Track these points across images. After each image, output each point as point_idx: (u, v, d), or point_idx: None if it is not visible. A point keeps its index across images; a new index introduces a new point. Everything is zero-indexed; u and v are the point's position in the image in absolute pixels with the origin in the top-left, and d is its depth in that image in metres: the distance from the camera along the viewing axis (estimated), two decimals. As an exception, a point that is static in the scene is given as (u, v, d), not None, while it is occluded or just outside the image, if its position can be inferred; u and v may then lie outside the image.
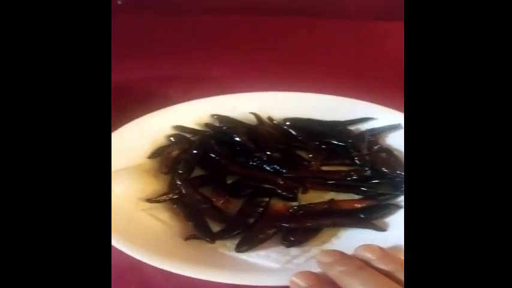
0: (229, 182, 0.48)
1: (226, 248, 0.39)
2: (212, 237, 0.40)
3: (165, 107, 0.57)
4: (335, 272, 0.31)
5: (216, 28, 0.93)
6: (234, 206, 0.45)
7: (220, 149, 0.52)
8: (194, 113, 0.58)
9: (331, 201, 0.45)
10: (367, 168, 0.48)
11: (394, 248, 0.35)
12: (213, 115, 0.58)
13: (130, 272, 0.39)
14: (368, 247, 0.33)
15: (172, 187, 0.47)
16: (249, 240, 0.40)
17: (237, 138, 0.54)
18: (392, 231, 0.40)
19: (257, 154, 0.51)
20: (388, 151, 0.51)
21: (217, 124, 0.57)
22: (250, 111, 0.58)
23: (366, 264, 0.32)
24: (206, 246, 0.40)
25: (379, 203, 0.44)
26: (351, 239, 0.40)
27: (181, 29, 0.93)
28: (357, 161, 0.49)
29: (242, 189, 0.47)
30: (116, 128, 0.52)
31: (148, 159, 0.51)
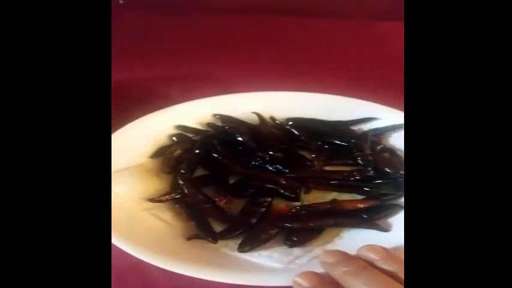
0: (231, 181, 0.48)
1: (228, 248, 0.39)
2: (214, 237, 0.40)
3: (167, 107, 0.57)
4: (338, 272, 0.31)
5: (217, 28, 0.92)
6: (237, 206, 0.45)
7: (223, 149, 0.52)
8: (196, 112, 0.58)
9: (334, 201, 0.44)
10: (370, 168, 0.48)
11: (397, 249, 0.35)
12: (215, 115, 0.58)
13: (132, 272, 0.39)
14: (371, 247, 0.33)
15: (174, 187, 0.47)
16: (252, 240, 0.39)
17: (240, 138, 0.54)
18: (396, 232, 0.40)
19: (259, 154, 0.51)
20: (391, 151, 0.51)
21: (220, 124, 0.57)
22: (253, 111, 0.58)
23: (369, 264, 0.31)
24: (208, 246, 0.40)
25: (382, 203, 0.44)
26: (354, 239, 0.40)
27: (183, 29, 0.93)
28: (360, 161, 0.49)
29: (244, 189, 0.47)
30: (118, 128, 0.51)
31: (151, 159, 0.51)
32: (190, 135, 0.55)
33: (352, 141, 0.53)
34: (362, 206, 0.44)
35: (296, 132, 0.56)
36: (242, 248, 0.39)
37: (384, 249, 0.33)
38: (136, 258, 0.36)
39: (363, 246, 0.33)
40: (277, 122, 0.58)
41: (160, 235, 0.41)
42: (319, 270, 0.33)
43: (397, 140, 0.53)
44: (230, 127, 0.56)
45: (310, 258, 0.38)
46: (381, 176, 0.47)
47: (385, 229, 0.41)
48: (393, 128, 0.54)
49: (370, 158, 0.49)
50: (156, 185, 0.47)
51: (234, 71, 0.74)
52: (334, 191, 0.47)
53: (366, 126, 0.56)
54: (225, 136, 0.55)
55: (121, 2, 1.02)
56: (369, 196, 0.45)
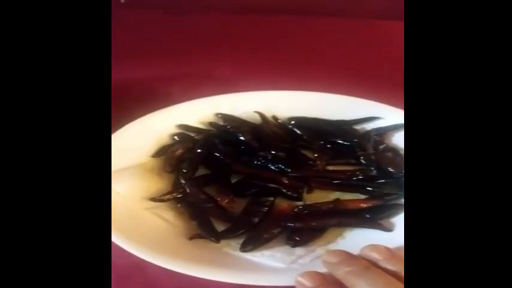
0: (233, 181, 0.48)
1: (231, 248, 0.39)
2: (217, 236, 0.40)
3: (168, 106, 0.57)
4: (341, 272, 0.31)
5: (219, 27, 0.92)
6: (239, 205, 0.45)
7: (225, 148, 0.52)
8: (198, 112, 0.58)
9: (337, 200, 0.44)
10: (372, 168, 0.48)
11: (400, 248, 0.35)
12: (217, 114, 0.58)
13: (134, 272, 0.38)
14: (374, 247, 0.33)
15: (176, 186, 0.47)
16: (254, 239, 0.39)
17: (242, 137, 0.53)
18: (399, 231, 0.40)
19: (262, 153, 0.51)
20: (394, 151, 0.51)
21: (222, 123, 0.57)
22: (255, 110, 0.58)
23: (372, 264, 0.31)
24: (211, 245, 0.40)
25: (385, 202, 0.44)
26: (357, 239, 0.39)
27: (184, 28, 0.93)
28: (363, 161, 0.49)
29: (247, 189, 0.47)
30: (120, 127, 0.51)
31: (152, 158, 0.51)
32: (192, 134, 0.55)
33: (355, 140, 0.52)
34: (365, 205, 0.43)
35: (298, 132, 0.56)
36: (244, 248, 0.39)
37: (387, 249, 0.33)
38: (138, 257, 0.35)
39: (366, 246, 0.33)
40: (279, 121, 0.58)
41: (162, 234, 0.40)
42: (322, 270, 0.32)
43: (400, 140, 0.52)
44: (232, 126, 0.56)
45: (312, 258, 0.37)
46: (383, 176, 0.47)
47: (388, 229, 0.40)
48: (396, 128, 0.53)
49: (373, 157, 0.49)
50: (158, 184, 0.47)
51: (236, 70, 0.74)
52: (337, 190, 0.47)
53: (369, 126, 0.55)
54: (227, 135, 0.54)
55: (122, 1, 1.02)
56: (372, 196, 0.45)
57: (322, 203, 0.44)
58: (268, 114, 0.58)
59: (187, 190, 0.46)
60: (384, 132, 0.54)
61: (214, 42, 0.87)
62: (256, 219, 0.42)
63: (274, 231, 0.40)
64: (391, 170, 0.47)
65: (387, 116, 0.55)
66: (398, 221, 0.41)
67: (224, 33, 0.91)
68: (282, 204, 0.45)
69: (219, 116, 0.58)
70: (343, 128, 0.56)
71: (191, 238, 0.40)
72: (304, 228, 0.41)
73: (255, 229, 0.41)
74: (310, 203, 0.45)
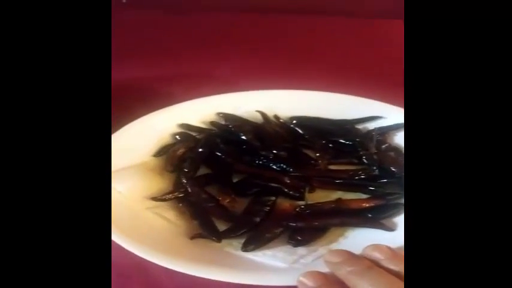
0: (235, 180, 0.48)
1: (232, 247, 0.39)
2: (218, 236, 0.40)
3: (170, 105, 0.57)
4: (343, 272, 0.31)
5: (221, 26, 0.92)
6: (240, 204, 0.44)
7: (226, 148, 0.52)
8: (200, 111, 0.58)
9: (339, 200, 0.44)
10: (375, 167, 0.47)
11: (402, 248, 0.35)
12: (218, 113, 0.58)
13: (135, 271, 0.38)
14: (377, 247, 0.32)
15: (177, 185, 0.47)
16: (256, 239, 0.39)
17: (243, 137, 0.53)
18: (401, 231, 0.40)
19: (263, 153, 0.50)
20: (397, 150, 0.51)
21: (223, 122, 0.57)
22: (256, 109, 0.58)
23: (375, 264, 0.31)
24: (212, 245, 0.39)
25: (387, 202, 0.43)
26: (359, 239, 0.39)
27: (186, 28, 0.93)
28: (365, 160, 0.49)
29: (248, 188, 0.47)
30: (121, 126, 0.51)
31: (154, 158, 0.51)
32: (193, 133, 0.55)
33: (357, 140, 0.52)
34: (367, 205, 0.43)
35: (300, 131, 0.55)
36: (246, 247, 0.38)
37: (390, 248, 0.32)
38: (139, 257, 0.35)
39: (368, 246, 0.33)
40: (281, 120, 0.58)
41: (163, 234, 0.40)
42: (324, 269, 0.32)
43: (402, 139, 0.52)
44: (234, 126, 0.56)
45: (314, 257, 0.37)
46: (386, 175, 0.47)
47: (391, 228, 0.40)
48: (398, 127, 0.53)
49: (375, 157, 0.49)
50: (159, 183, 0.47)
51: (237, 69, 0.74)
52: (339, 190, 0.46)
53: (371, 125, 0.55)
54: (228, 135, 0.54)
55: (124, 0, 1.02)
56: (374, 195, 0.45)
57: (324, 202, 0.44)
58: (270, 113, 0.58)
59: (189, 189, 0.45)
60: (386, 132, 0.54)
61: (215, 41, 0.87)
62: (257, 219, 0.42)
63: (276, 230, 0.40)
64: (394, 169, 0.47)
65: (389, 115, 0.55)
66: (401, 220, 0.41)
67: (226, 32, 0.91)
68: (284, 203, 0.44)
69: (221, 115, 0.57)
70: (345, 127, 0.56)
71: (192, 238, 0.40)
72: (306, 228, 0.41)
73: (257, 229, 0.41)
74: (312, 202, 0.44)
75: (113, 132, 0.50)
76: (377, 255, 0.32)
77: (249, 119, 0.57)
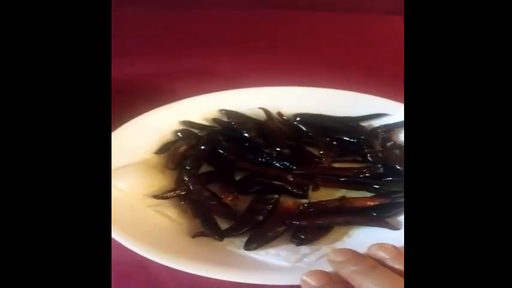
0: (237, 178, 0.48)
1: (234, 246, 0.39)
2: (220, 234, 0.40)
3: (172, 102, 0.56)
4: (347, 271, 0.31)
5: (224, 22, 0.92)
6: (243, 203, 0.44)
7: (229, 145, 0.52)
8: (202, 108, 0.57)
9: (343, 198, 0.44)
10: (380, 165, 0.47)
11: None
12: (221, 110, 0.57)
13: (136, 270, 0.38)
14: (381, 246, 0.32)
15: (179, 183, 0.46)
16: (258, 237, 0.39)
17: (246, 134, 0.53)
18: (406, 230, 0.39)
19: (266, 150, 0.50)
20: (402, 148, 0.50)
21: (226, 119, 0.57)
22: (259, 106, 0.58)
23: (379, 263, 0.31)
24: (214, 243, 0.39)
25: (392, 200, 0.43)
26: (363, 238, 0.39)
27: (187, 24, 0.93)
28: (370, 158, 0.49)
29: (251, 186, 0.46)
30: (122, 123, 0.51)
31: (155, 155, 0.51)
32: (195, 131, 0.55)
33: (362, 137, 0.52)
34: (371, 203, 0.43)
35: (304, 128, 0.55)
36: (248, 246, 0.38)
37: (394, 247, 0.32)
38: (139, 255, 0.35)
39: (373, 245, 0.32)
40: (284, 117, 0.57)
41: (164, 232, 0.40)
42: (328, 268, 0.32)
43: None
44: (236, 123, 0.55)
45: (318, 256, 0.37)
46: (391, 173, 0.47)
47: (395, 227, 0.40)
48: (404, 125, 0.53)
49: (380, 154, 0.48)
50: (160, 181, 0.47)
51: (240, 66, 0.74)
52: (343, 188, 0.46)
53: (376, 122, 0.55)
54: (231, 132, 0.54)
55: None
56: (379, 194, 0.44)
57: (328, 200, 0.44)
58: (273, 110, 0.58)
59: (191, 187, 0.45)
60: (391, 129, 0.53)
61: (218, 37, 0.86)
62: (260, 217, 0.41)
63: (279, 229, 0.40)
64: (399, 167, 0.47)
65: (395, 113, 0.54)
66: (406, 219, 0.41)
67: (228, 28, 0.90)
68: (287, 202, 0.44)
69: (223, 112, 0.57)
70: (349, 125, 0.55)
71: (194, 236, 0.40)
72: (309, 227, 0.40)
73: (260, 227, 0.41)
74: (315, 200, 0.44)
75: (115, 130, 0.50)
76: (382, 254, 0.31)
77: (251, 116, 0.57)
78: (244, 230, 0.40)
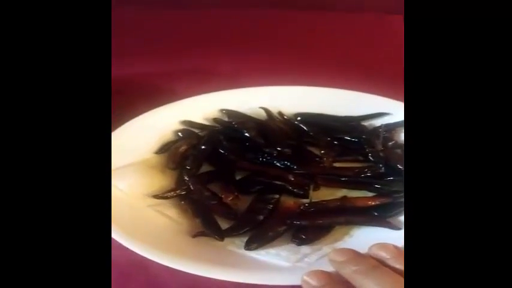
0: (238, 178, 0.48)
1: (235, 246, 0.39)
2: (221, 234, 0.39)
3: (172, 102, 0.56)
4: (348, 271, 0.30)
5: (224, 22, 0.92)
6: (243, 202, 0.44)
7: (229, 145, 0.51)
8: (202, 107, 0.57)
9: (344, 198, 0.44)
10: (381, 165, 0.47)
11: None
12: (221, 110, 0.57)
13: (136, 270, 0.38)
14: (382, 246, 0.32)
15: (180, 183, 0.46)
16: (259, 237, 0.39)
17: (247, 134, 0.53)
18: (408, 230, 0.39)
19: (267, 150, 0.50)
20: (403, 147, 0.50)
21: (226, 119, 0.56)
22: (260, 106, 0.58)
23: (381, 263, 0.31)
24: (215, 243, 0.39)
25: (393, 200, 0.43)
26: (364, 238, 0.39)
27: (188, 23, 0.92)
28: (371, 158, 0.49)
29: (251, 186, 0.46)
30: (123, 123, 0.51)
31: (156, 155, 0.51)
32: (196, 130, 0.55)
33: (363, 137, 0.52)
34: (373, 203, 0.43)
35: (305, 128, 0.55)
36: (249, 246, 0.38)
37: (396, 247, 0.32)
38: (140, 255, 0.35)
39: (374, 245, 0.32)
40: (285, 117, 0.57)
41: (164, 232, 0.40)
42: (329, 268, 0.32)
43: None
44: (237, 122, 0.55)
45: (319, 256, 0.37)
46: (392, 173, 0.46)
47: (397, 227, 0.40)
48: (405, 124, 0.52)
49: (381, 154, 0.48)
50: (161, 181, 0.47)
51: (241, 65, 0.74)
52: (344, 187, 0.46)
53: (377, 122, 0.55)
54: (231, 132, 0.54)
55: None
56: (380, 193, 0.44)
57: (329, 200, 0.44)
58: (274, 110, 0.58)
59: (191, 187, 0.45)
60: (393, 129, 0.53)
61: (219, 37, 0.86)
62: (261, 217, 0.41)
63: (280, 229, 0.40)
64: (400, 167, 0.46)
65: (396, 112, 0.54)
66: (407, 219, 0.40)
67: (229, 28, 0.90)
68: (288, 201, 0.44)
69: (224, 112, 0.57)
70: (350, 124, 0.55)
71: (195, 236, 0.39)
72: (310, 226, 0.40)
73: (260, 227, 0.40)
74: (316, 200, 0.44)
75: (115, 129, 0.50)
76: (383, 254, 0.31)
77: (252, 115, 0.57)
78: (244, 229, 0.40)
